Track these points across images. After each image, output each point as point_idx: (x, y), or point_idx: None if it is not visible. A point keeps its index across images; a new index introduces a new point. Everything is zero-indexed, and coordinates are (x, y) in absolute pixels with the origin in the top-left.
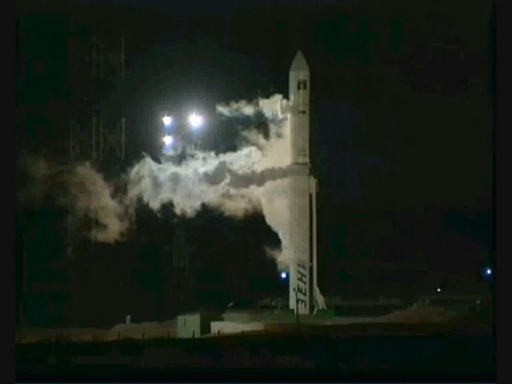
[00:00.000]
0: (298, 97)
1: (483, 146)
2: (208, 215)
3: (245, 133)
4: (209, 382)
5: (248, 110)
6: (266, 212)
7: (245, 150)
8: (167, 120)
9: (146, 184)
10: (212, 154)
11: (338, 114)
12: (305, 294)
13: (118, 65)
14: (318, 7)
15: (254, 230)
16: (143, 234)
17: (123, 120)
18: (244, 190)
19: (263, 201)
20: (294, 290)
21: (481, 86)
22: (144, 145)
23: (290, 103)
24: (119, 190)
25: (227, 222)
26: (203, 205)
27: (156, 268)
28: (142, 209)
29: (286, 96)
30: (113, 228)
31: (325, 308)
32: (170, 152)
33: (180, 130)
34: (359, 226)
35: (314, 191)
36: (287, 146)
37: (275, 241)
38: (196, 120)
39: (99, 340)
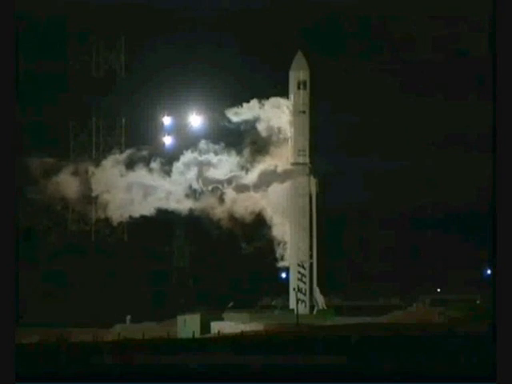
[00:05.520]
0: (297, 97)
1: (483, 147)
2: (208, 216)
3: (247, 133)
4: (209, 382)
5: (248, 110)
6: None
7: (244, 150)
8: (167, 120)
9: (146, 185)
10: (213, 154)
11: (337, 114)
12: (305, 294)
13: (118, 65)
14: (317, 7)
15: (254, 230)
16: (143, 234)
17: (123, 120)
18: (243, 191)
19: (261, 202)
20: (294, 290)
21: (480, 87)
22: (144, 145)
23: (290, 103)
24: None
25: (226, 222)
26: (203, 205)
27: (156, 268)
28: (143, 209)
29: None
30: (112, 229)
31: (325, 308)
32: (179, 152)
33: (180, 129)
34: (359, 226)
35: (314, 191)
36: (284, 146)
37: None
38: (197, 120)
39: (99, 340)
